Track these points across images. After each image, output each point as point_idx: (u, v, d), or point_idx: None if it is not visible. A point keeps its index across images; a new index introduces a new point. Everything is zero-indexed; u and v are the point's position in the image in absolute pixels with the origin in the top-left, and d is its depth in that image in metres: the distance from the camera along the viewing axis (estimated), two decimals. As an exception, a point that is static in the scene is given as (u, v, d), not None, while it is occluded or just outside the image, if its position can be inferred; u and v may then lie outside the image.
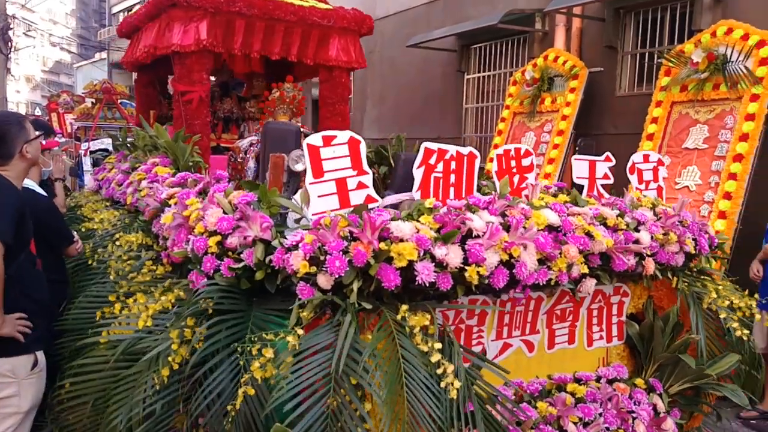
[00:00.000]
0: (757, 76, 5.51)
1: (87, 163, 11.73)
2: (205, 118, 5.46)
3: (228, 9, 5.33)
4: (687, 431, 3.14)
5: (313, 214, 2.54)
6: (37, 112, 28.47)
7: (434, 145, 2.72)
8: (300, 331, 2.23)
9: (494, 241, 2.48)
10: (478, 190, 4.31)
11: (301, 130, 5.65)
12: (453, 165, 2.75)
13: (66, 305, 4.23)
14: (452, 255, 2.42)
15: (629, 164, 3.31)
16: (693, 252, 3.06)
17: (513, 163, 3.04)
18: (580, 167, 3.24)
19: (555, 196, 3.10)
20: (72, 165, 12.37)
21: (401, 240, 2.41)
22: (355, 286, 2.30)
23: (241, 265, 2.58)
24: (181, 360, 2.50)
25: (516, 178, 3.01)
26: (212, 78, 6.14)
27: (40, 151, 4.58)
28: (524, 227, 2.56)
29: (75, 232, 4.05)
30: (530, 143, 7.62)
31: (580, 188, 3.41)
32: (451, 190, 2.76)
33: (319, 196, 2.54)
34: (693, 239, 3.07)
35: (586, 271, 2.66)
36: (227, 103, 6.49)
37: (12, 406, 2.90)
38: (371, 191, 2.65)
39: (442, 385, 2.14)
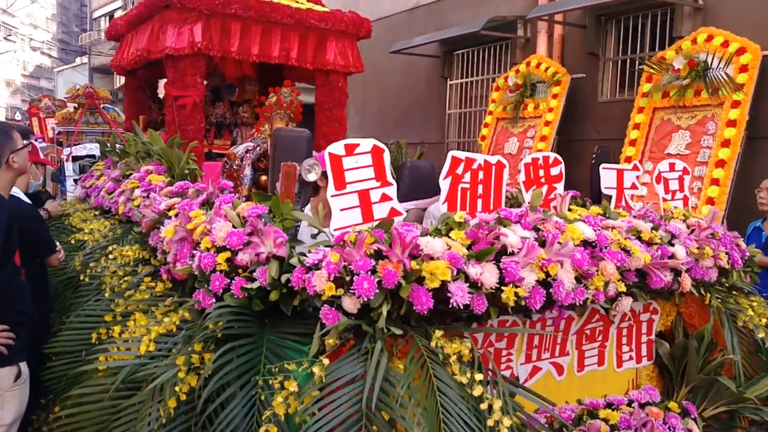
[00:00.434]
0: (737, 83, 5.53)
1: (69, 168, 11.37)
2: (198, 123, 5.22)
3: (223, 11, 5.09)
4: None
5: (335, 230, 2.30)
6: (17, 116, 27.84)
7: (461, 154, 2.50)
8: (325, 361, 1.99)
9: (531, 259, 2.27)
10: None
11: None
12: (481, 175, 2.53)
13: (52, 317, 3.97)
14: (487, 274, 2.20)
15: (655, 173, 3.12)
16: (726, 267, 2.87)
17: (541, 172, 2.83)
18: (607, 177, 3.04)
19: (583, 206, 2.90)
20: (54, 170, 12.00)
21: (431, 258, 2.19)
22: (385, 309, 2.08)
23: (255, 285, 2.33)
24: (188, 389, 2.25)
25: (544, 189, 2.80)
26: (204, 82, 5.86)
27: (33, 163, 4.36)
28: (559, 242, 2.35)
29: (57, 242, 3.89)
30: (514, 149, 7.57)
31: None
32: (479, 201, 2.54)
33: (341, 210, 2.31)
34: (726, 253, 2.88)
35: (623, 289, 2.45)
36: (219, 108, 6.23)
37: None
38: (395, 204, 2.42)
39: (490, 423, 1.91)
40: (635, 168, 3.11)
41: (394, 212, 2.42)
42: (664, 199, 3.09)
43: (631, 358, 2.84)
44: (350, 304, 2.08)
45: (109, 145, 5.99)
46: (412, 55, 9.50)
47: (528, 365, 2.55)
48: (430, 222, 4.10)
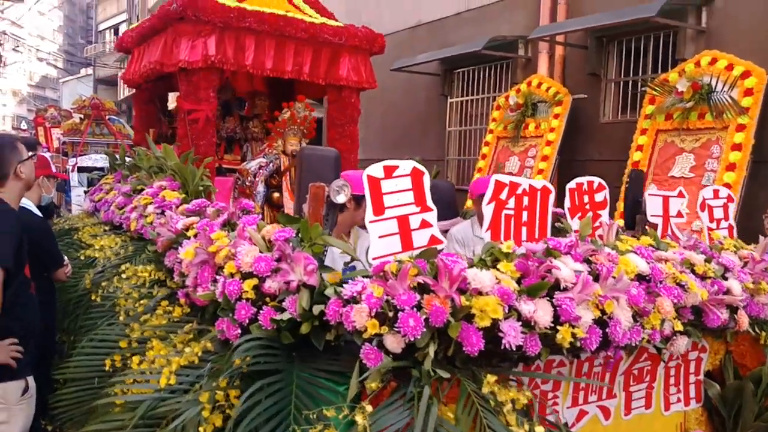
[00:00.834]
0: (742, 106, 5.38)
1: (74, 178, 11.13)
2: (210, 138, 5.01)
3: (238, 24, 4.89)
4: None
5: (373, 259, 2.07)
6: (23, 125, 27.56)
7: (505, 178, 2.29)
8: (368, 408, 1.76)
9: (587, 295, 2.04)
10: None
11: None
12: (525, 201, 2.31)
13: (60, 337, 3.74)
14: (541, 312, 1.98)
15: (699, 200, 2.91)
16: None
17: (586, 198, 2.61)
18: (654, 204, 2.82)
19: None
20: (59, 180, 11.74)
21: (479, 293, 1.97)
22: (431, 350, 1.85)
23: (286, 316, 2.10)
24: (213, 429, 2.02)
25: (589, 216, 2.58)
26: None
27: (46, 176, 4.19)
28: (613, 277, 2.13)
29: (65, 257, 3.76)
30: (515, 168, 7.45)
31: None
32: (524, 229, 2.32)
33: (379, 237, 2.08)
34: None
35: (680, 328, 2.23)
36: (230, 122, 6.01)
37: None
38: (436, 231, 2.20)
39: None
40: (680, 195, 2.89)
41: (434, 240, 2.20)
42: (710, 228, 2.87)
43: (679, 400, 2.61)
44: (394, 343, 1.86)
45: (118, 158, 5.78)
46: (413, 73, 9.37)
47: (574, 409, 2.32)
48: (453, 246, 3.89)
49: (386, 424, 1.75)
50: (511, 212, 2.33)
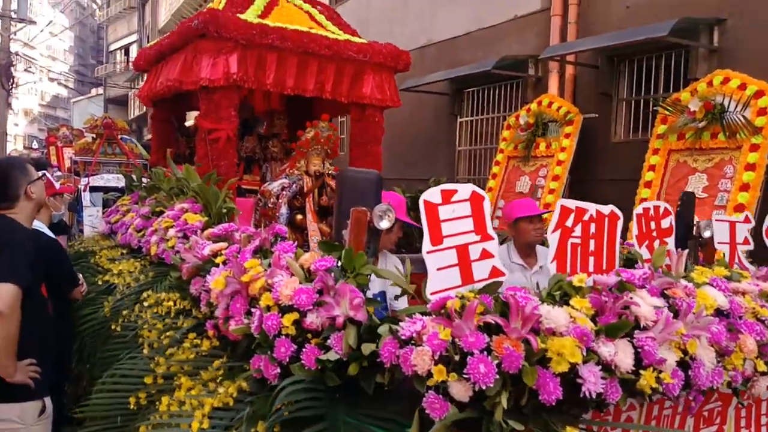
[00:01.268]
0: (756, 126, 5.27)
1: (86, 198, 11.00)
2: (232, 158, 4.85)
3: (260, 41, 4.74)
4: None
5: (431, 293, 1.87)
6: (35, 145, 27.59)
7: (571, 203, 2.08)
8: (435, 466, 1.55)
9: (670, 335, 1.83)
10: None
11: (331, 172, 5.05)
12: (592, 228, 2.11)
13: (77, 368, 3.56)
14: (622, 355, 1.77)
15: (765, 226, 2.70)
16: None
17: (653, 224, 2.41)
18: (720, 230, 2.61)
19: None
20: (70, 200, 11.62)
21: (552, 333, 1.76)
22: (504, 399, 1.64)
23: (333, 357, 1.90)
24: (252, 482, 1.81)
25: (656, 244, 2.37)
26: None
27: (52, 195, 4.14)
28: (693, 312, 1.92)
29: (80, 275, 3.76)
30: (525, 187, 7.40)
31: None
32: (591, 260, 2.11)
33: (437, 269, 1.88)
34: None
35: (763, 368, 2.01)
36: (249, 142, 5.85)
37: None
38: (497, 262, 2.00)
39: None
40: (747, 220, 2.68)
41: (496, 272, 2.00)
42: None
43: (750, 442, 2.39)
44: (461, 391, 1.65)
45: (135, 178, 5.63)
46: (423, 93, 9.30)
47: (643, 455, 2.10)
48: None
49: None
50: (578, 241, 2.12)
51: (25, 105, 48.85)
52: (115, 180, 10.81)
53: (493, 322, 1.71)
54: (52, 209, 4.67)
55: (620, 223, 2.18)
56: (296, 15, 5.33)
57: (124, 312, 3.27)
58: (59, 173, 13.11)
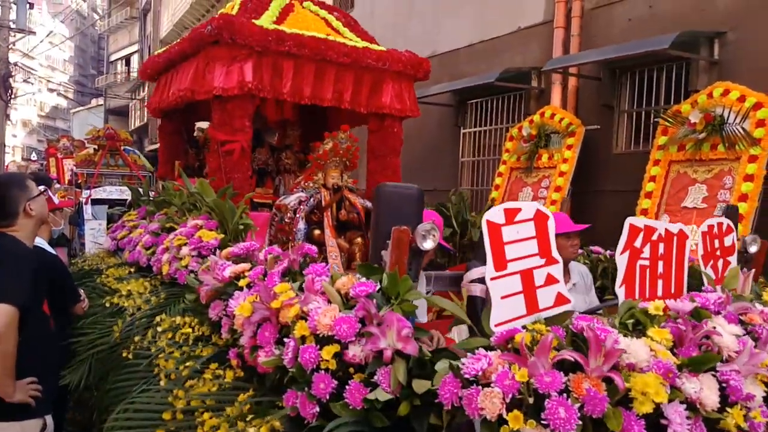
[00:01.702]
0: (755, 138, 5.40)
1: (88, 211, 10.85)
2: (246, 171, 4.68)
3: (276, 48, 4.59)
4: None
5: (495, 325, 1.69)
6: (33, 156, 27.52)
7: (640, 221, 1.90)
8: None
9: (754, 366, 1.65)
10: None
11: (349, 185, 4.88)
12: (661, 248, 1.93)
13: (92, 397, 3.41)
14: (708, 391, 1.58)
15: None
16: None
17: (716, 242, 2.23)
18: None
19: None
20: (71, 213, 11.48)
21: (631, 368, 1.58)
22: (586, 447, 1.45)
23: (383, 396, 1.72)
24: None
25: (720, 263, 2.19)
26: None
27: (51, 211, 4.11)
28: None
29: (82, 291, 3.76)
30: (527, 198, 7.53)
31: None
32: (659, 283, 1.93)
33: (502, 298, 1.70)
34: None
35: None
36: (261, 153, 5.68)
37: None
38: (562, 288, 1.82)
39: None
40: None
41: (561, 299, 1.82)
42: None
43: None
44: (538, 438, 1.46)
45: (142, 191, 5.47)
46: (427, 104, 9.35)
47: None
48: None
49: None
50: (646, 263, 1.94)
51: (24, 116, 48.92)
52: (118, 192, 10.70)
53: (572, 359, 1.53)
54: (51, 224, 4.59)
55: (689, 243, 1.99)
56: (312, 21, 5.19)
57: (136, 338, 3.08)
58: (58, 185, 12.98)
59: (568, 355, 1.54)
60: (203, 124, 6.24)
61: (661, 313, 1.80)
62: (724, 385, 1.64)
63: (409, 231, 2.21)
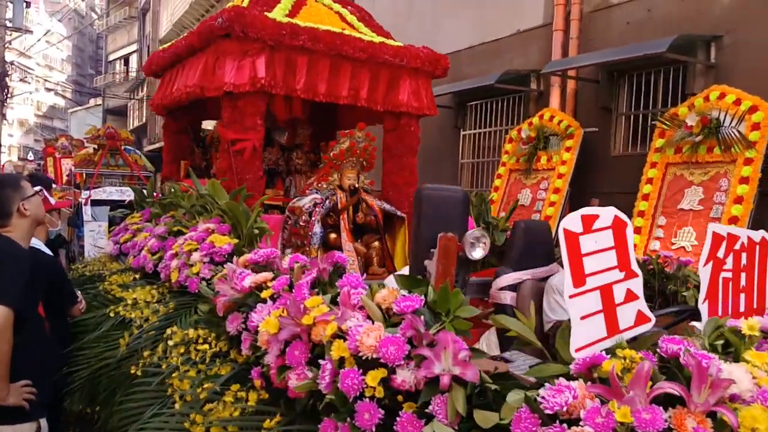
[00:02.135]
0: (750, 141, 5.51)
1: (87, 212, 10.62)
2: (257, 171, 4.48)
3: (291, 42, 4.37)
4: None
5: (576, 350, 1.46)
6: (30, 156, 27.29)
7: (722, 229, 1.69)
8: None
9: None
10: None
11: (366, 187, 4.67)
12: (743, 258, 1.71)
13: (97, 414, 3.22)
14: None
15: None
16: None
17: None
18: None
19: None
20: (70, 214, 11.25)
21: (734, 399, 1.36)
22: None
23: (442, 430, 1.50)
24: None
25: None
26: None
27: (48, 211, 4.15)
28: None
29: (78, 292, 3.73)
30: (527, 200, 7.68)
31: None
32: (742, 297, 1.71)
33: (581, 318, 1.48)
34: None
35: None
36: (271, 153, 5.47)
37: None
38: (642, 305, 1.59)
39: None
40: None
41: (642, 318, 1.60)
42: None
43: None
44: (639, 487, 1.24)
45: (146, 192, 5.25)
46: None
47: None
48: (555, 299, 3.32)
49: None
50: (729, 275, 1.72)
51: (21, 115, 48.68)
52: (118, 193, 10.48)
53: (676, 392, 1.30)
54: (48, 225, 4.52)
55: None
56: (326, 15, 4.98)
57: (145, 353, 2.85)
58: (57, 186, 12.75)
59: (670, 387, 1.31)
60: (209, 124, 6.04)
61: (757, 333, 1.57)
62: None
63: (456, 239, 1.99)
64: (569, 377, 1.44)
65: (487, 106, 9.33)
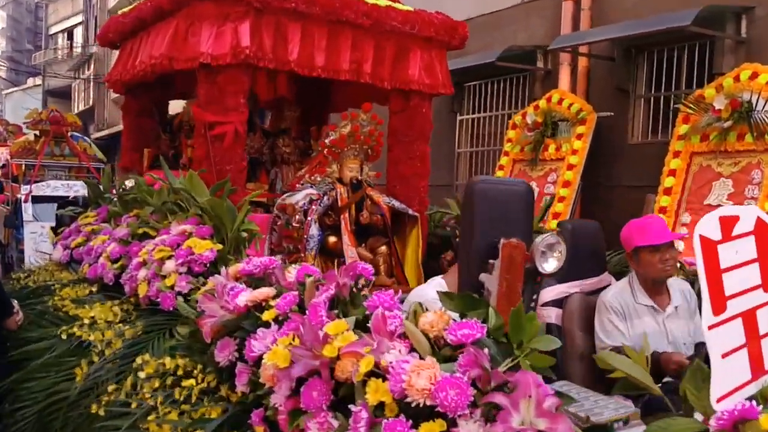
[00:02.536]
0: None
1: (28, 211, 10.34)
2: (240, 161, 4.26)
3: (280, 5, 4.16)
4: None
5: (717, 400, 1.24)
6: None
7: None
8: None
9: None
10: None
11: (370, 181, 4.47)
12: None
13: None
14: None
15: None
16: None
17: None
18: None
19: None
20: (7, 213, 10.96)
21: None
22: None
23: None
24: None
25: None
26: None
27: None
28: None
29: (15, 302, 3.69)
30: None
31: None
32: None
33: (723, 356, 1.25)
34: None
35: None
36: (253, 140, 5.24)
37: None
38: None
39: None
40: None
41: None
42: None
43: None
44: None
45: (102, 187, 5.02)
46: None
47: None
48: (609, 318, 3.16)
49: None
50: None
51: (-55, 97, 47.94)
52: (65, 188, 10.21)
53: None
54: None
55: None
56: (322, -27, 4.75)
57: (110, 387, 2.62)
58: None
59: None
60: (178, 105, 5.80)
61: None
62: None
63: (524, 246, 1.76)
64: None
65: (487, 87, 9.31)
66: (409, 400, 1.53)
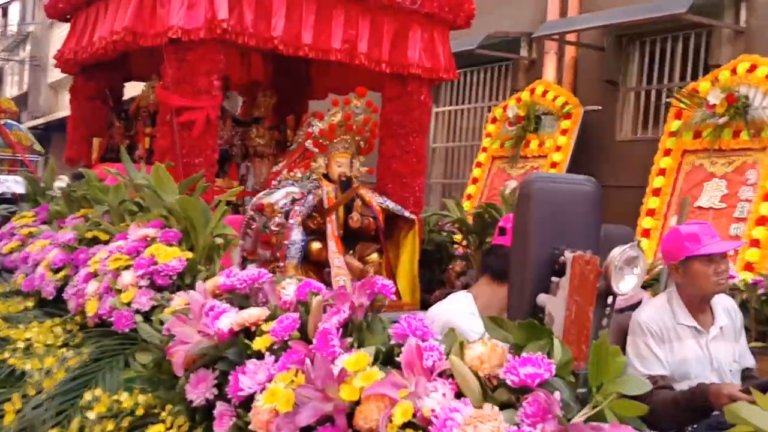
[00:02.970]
0: None
1: (-45, 216, 10.11)
2: (212, 152, 4.16)
3: (261, -27, 4.03)
4: None
5: None
6: None
7: None
8: None
9: None
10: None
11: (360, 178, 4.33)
12: None
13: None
14: None
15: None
16: None
17: None
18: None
19: None
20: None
21: None
22: None
23: None
24: None
25: None
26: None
27: None
28: None
29: None
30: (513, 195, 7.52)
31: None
32: None
33: None
34: None
35: None
36: (222, 130, 5.12)
37: None
38: None
39: None
40: None
41: None
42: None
43: None
44: None
45: (43, 183, 4.92)
46: None
47: None
48: (646, 342, 3.04)
49: None
50: None
51: None
52: (2, 185, 10.01)
53: None
54: None
55: None
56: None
57: (52, 430, 2.39)
58: None
59: None
60: (135, 89, 5.63)
61: None
62: None
63: (597, 261, 1.55)
64: None
65: (466, 77, 9.47)
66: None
